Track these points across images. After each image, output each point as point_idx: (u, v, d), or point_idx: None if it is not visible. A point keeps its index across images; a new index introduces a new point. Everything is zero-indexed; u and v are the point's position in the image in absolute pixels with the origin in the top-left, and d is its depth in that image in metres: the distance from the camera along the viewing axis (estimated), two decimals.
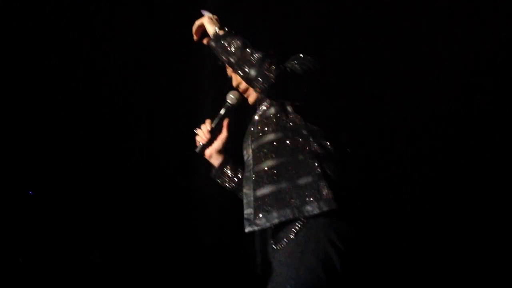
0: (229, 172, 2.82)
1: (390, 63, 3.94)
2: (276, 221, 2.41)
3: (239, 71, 2.40)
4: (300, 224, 2.41)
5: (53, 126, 4.12)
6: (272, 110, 2.55)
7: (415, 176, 4.05)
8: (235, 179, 2.81)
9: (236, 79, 2.72)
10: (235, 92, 2.74)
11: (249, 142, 2.59)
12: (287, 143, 2.49)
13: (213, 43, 2.46)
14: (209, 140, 2.76)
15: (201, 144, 2.78)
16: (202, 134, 2.77)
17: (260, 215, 2.45)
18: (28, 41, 3.99)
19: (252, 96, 2.70)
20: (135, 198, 4.24)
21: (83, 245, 4.17)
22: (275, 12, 3.90)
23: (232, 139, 2.79)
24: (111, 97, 4.15)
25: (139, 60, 4.06)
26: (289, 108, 2.53)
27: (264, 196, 2.47)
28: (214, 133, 2.77)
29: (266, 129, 2.54)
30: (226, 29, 2.47)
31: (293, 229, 2.41)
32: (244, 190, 2.57)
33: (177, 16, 3.86)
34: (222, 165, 2.83)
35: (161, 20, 4.02)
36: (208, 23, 2.51)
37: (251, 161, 2.56)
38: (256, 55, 2.36)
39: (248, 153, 2.60)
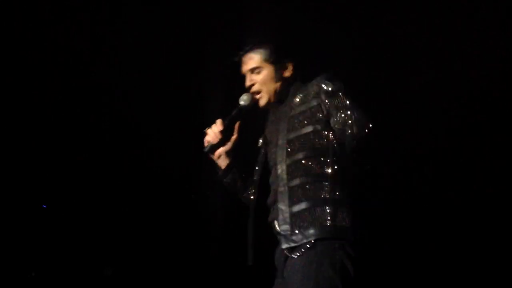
0: (235, 174, 2.80)
1: (390, 63, 3.96)
2: (313, 238, 2.41)
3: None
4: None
5: (54, 127, 4.11)
6: (309, 129, 2.54)
7: (415, 176, 4.07)
8: (241, 181, 2.81)
9: (249, 80, 2.71)
10: (248, 94, 2.71)
11: (284, 157, 2.56)
12: (313, 164, 2.49)
13: None
14: (219, 141, 2.74)
15: (211, 143, 2.76)
16: (212, 134, 2.74)
17: (297, 231, 2.44)
18: (28, 41, 3.96)
19: (263, 98, 2.70)
20: (144, 209, 4.24)
21: (95, 258, 4.16)
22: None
23: (241, 142, 2.79)
24: (113, 99, 4.14)
25: (142, 62, 4.05)
26: (319, 129, 2.52)
27: (300, 212, 2.46)
28: (224, 134, 2.75)
29: (298, 146, 2.54)
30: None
31: (311, 240, 2.41)
32: (280, 206, 2.54)
33: (182, 16, 3.86)
34: (230, 166, 2.80)
35: (164, 20, 4.00)
36: None
37: (284, 176, 2.54)
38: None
39: (281, 168, 2.56)
